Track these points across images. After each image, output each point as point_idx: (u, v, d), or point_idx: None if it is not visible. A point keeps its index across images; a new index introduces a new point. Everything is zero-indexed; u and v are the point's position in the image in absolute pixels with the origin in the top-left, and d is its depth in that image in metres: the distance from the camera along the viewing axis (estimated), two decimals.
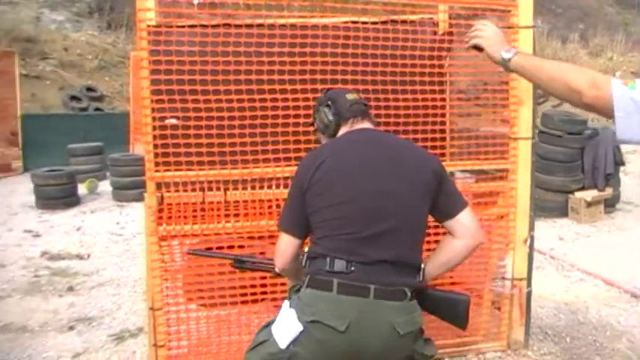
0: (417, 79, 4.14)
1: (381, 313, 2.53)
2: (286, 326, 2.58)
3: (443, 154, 4.37)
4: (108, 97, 19.59)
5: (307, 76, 3.88)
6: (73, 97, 18.46)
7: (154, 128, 3.74)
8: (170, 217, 3.90)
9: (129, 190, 10.84)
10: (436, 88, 4.30)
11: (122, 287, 6.29)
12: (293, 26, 3.99)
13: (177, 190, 3.86)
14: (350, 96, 2.96)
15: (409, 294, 2.59)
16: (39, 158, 13.68)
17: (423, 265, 2.72)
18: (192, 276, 4.18)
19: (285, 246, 2.78)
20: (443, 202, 2.74)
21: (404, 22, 4.23)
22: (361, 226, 2.59)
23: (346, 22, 4.14)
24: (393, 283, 2.56)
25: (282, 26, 4.01)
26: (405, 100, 4.12)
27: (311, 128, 3.18)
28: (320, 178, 2.66)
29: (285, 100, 3.86)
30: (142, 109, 3.75)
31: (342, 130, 2.91)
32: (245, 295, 4.11)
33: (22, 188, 12.23)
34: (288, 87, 3.86)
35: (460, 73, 4.61)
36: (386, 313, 2.53)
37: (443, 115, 4.37)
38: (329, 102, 2.95)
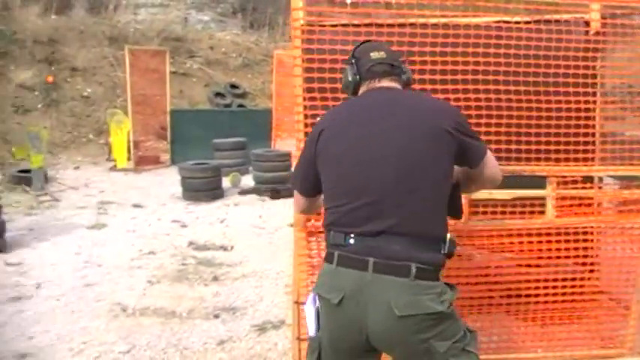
0: (569, 80, 4.04)
1: (379, 289, 2.38)
2: (307, 308, 2.60)
3: (592, 159, 4.25)
4: (250, 94, 20.12)
5: (458, 76, 3.86)
6: (218, 94, 19.09)
7: (306, 126, 3.83)
8: (319, 213, 3.97)
9: (271, 185, 11.11)
10: (589, 90, 4.18)
11: (265, 279, 6.47)
12: (445, 26, 3.98)
13: None
14: (374, 54, 2.75)
15: (414, 270, 2.37)
16: (185, 151, 14.27)
17: (449, 236, 2.52)
18: None
19: (297, 200, 2.91)
20: (463, 157, 2.59)
21: (556, 21, 4.14)
22: (357, 195, 2.48)
23: (498, 22, 4.09)
24: (396, 256, 2.39)
25: (434, 25, 4.00)
26: (557, 102, 4.03)
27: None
28: (320, 149, 2.61)
29: None
30: (294, 107, 3.84)
31: (361, 90, 2.77)
32: None
33: (170, 180, 12.82)
34: (439, 87, 3.85)
35: (615, 75, 4.44)
36: (385, 289, 2.37)
37: (592, 119, 4.24)
38: (353, 60, 2.80)
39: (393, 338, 2.42)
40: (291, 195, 3.21)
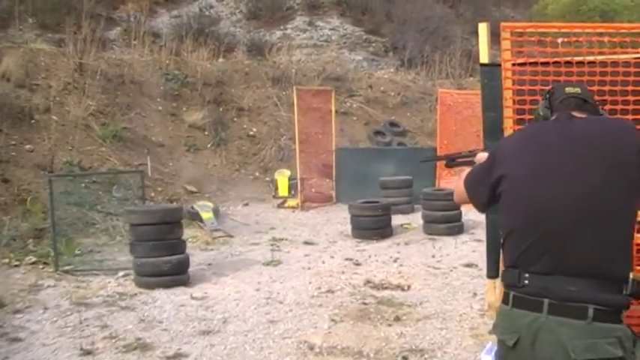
0: None
1: (554, 332, 2.30)
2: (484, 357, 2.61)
3: None
4: (410, 132, 20.15)
5: None
6: (378, 132, 19.24)
7: None
8: None
9: (440, 223, 11.02)
10: None
11: (448, 321, 6.35)
12: None
13: None
14: (569, 89, 2.67)
15: (592, 313, 2.26)
16: (349, 189, 14.47)
17: (631, 277, 2.36)
18: None
19: (459, 196, 2.85)
20: None
21: None
22: (532, 230, 2.39)
23: None
24: (572, 298, 2.29)
25: (637, 64, 3.87)
26: None
27: None
28: (496, 179, 2.54)
29: None
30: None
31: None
32: None
33: (337, 217, 13.06)
34: None
35: None
36: (560, 332, 2.29)
37: None
38: (548, 94, 2.72)
39: None
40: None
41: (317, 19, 26.44)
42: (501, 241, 2.61)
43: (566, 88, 2.69)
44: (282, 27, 25.93)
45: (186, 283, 8.06)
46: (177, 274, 7.98)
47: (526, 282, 2.40)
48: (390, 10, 27.09)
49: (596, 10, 21.19)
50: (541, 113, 2.71)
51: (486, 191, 2.62)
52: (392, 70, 24.18)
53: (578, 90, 2.68)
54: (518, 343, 2.39)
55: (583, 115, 2.58)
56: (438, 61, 23.20)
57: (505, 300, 2.50)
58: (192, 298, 7.44)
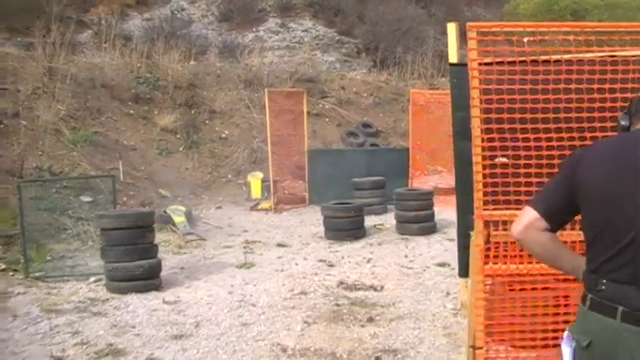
0: None
1: (626, 339, 2.30)
2: (563, 347, 2.54)
3: None
4: (383, 132, 20.19)
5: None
6: (351, 133, 19.24)
7: (484, 167, 3.77)
8: (497, 257, 3.88)
9: (413, 223, 11.05)
10: None
11: (421, 321, 6.37)
12: (614, 62, 3.85)
13: (505, 229, 3.83)
14: None
15: None
16: (322, 191, 14.43)
17: None
18: (506, 316, 4.13)
19: (525, 214, 2.60)
20: None
21: None
22: (612, 239, 2.38)
23: None
24: None
25: (602, 62, 3.89)
26: None
27: None
28: (579, 181, 2.49)
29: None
30: (474, 148, 3.79)
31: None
32: (557, 338, 3.99)
33: (310, 219, 13.05)
34: (609, 125, 3.71)
35: None
36: (630, 340, 2.29)
37: None
38: (628, 105, 2.72)
39: None
40: None
41: (289, 20, 26.40)
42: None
43: None
44: (254, 29, 25.85)
45: (158, 287, 7.99)
46: (149, 279, 7.92)
47: (603, 287, 2.41)
48: (362, 12, 27.10)
49: (568, 9, 21.36)
50: (622, 123, 2.70)
51: (563, 202, 2.57)
52: (364, 71, 24.19)
53: None
54: (590, 346, 2.41)
55: None
56: (410, 62, 23.25)
57: (583, 300, 2.51)
58: (165, 302, 7.38)
